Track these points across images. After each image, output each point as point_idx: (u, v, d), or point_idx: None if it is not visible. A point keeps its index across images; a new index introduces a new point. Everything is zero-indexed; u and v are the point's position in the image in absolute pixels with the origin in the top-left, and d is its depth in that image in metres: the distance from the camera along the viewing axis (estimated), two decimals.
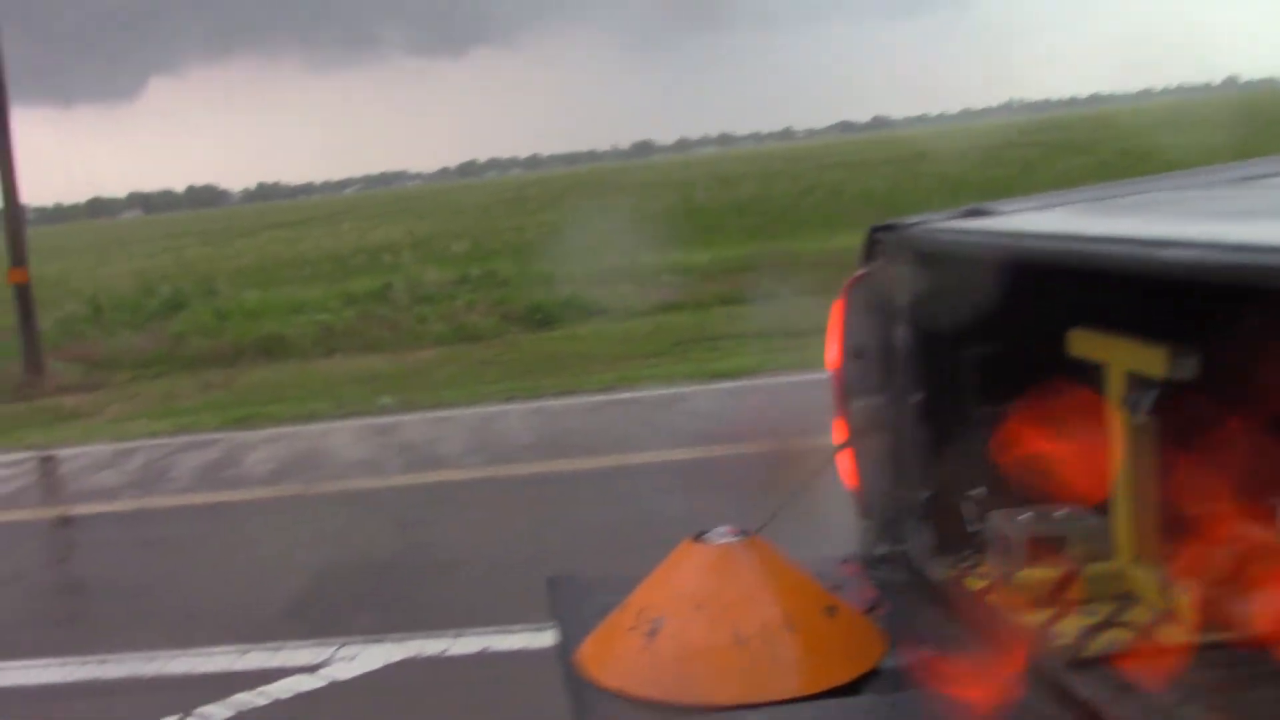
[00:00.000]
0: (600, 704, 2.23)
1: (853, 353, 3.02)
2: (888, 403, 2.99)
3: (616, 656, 2.33)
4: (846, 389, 3.05)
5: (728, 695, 2.15)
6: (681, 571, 2.38)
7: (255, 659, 5.26)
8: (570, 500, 7.61)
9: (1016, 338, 2.84)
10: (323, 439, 10.66)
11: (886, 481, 3.01)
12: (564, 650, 2.58)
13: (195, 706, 4.76)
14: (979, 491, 2.82)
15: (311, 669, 5.06)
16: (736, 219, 32.81)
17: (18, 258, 19.10)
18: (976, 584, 2.66)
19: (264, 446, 10.52)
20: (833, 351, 3.05)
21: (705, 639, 2.23)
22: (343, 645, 5.27)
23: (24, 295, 19.29)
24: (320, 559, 6.80)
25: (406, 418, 11.26)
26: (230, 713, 4.73)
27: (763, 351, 13.71)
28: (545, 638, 5.06)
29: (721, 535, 2.40)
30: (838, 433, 3.08)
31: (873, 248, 2.98)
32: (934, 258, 2.81)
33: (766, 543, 2.43)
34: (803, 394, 10.43)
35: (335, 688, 4.89)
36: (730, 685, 2.17)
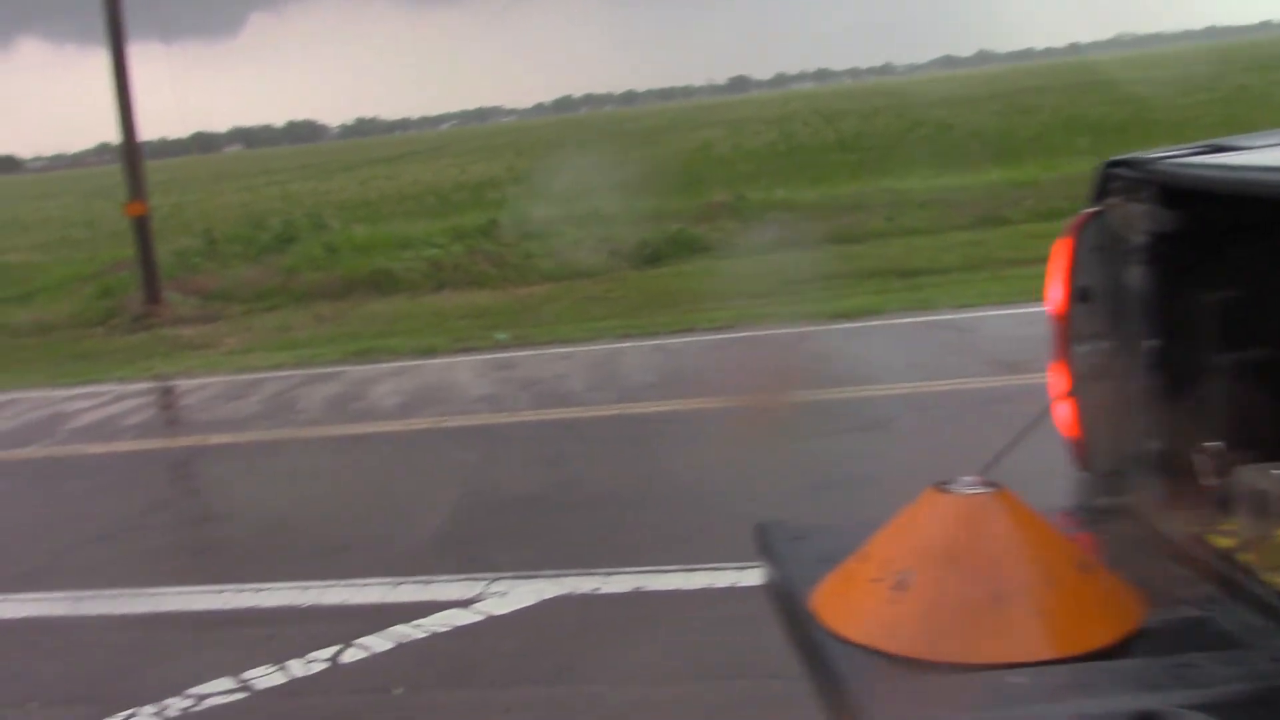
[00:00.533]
0: (847, 657, 2.14)
1: (1079, 295, 2.87)
2: (1116, 349, 2.83)
3: (859, 609, 2.23)
4: (1069, 333, 2.89)
5: (986, 654, 2.04)
6: (927, 523, 2.27)
7: (407, 592, 5.28)
8: (703, 438, 7.54)
9: (1264, 281, 2.67)
10: (445, 373, 10.71)
11: (1111, 432, 2.85)
12: (787, 598, 2.50)
13: (354, 637, 4.80)
14: (1216, 444, 2.66)
15: (465, 603, 5.06)
16: (839, 156, 32.26)
17: (136, 191, 19.48)
18: (1222, 541, 2.51)
19: (388, 380, 10.61)
20: (1056, 293, 2.90)
21: (960, 594, 2.12)
22: (494, 580, 5.26)
23: (143, 227, 19.68)
24: (461, 494, 6.83)
25: (524, 353, 11.27)
26: (390, 644, 4.75)
27: (879, 291, 13.48)
28: (698, 579, 5.07)
29: (968, 486, 2.28)
30: (1056, 379, 2.94)
31: (1107, 183, 2.80)
32: (1178, 194, 2.63)
33: (1014, 494, 2.31)
34: (929, 335, 10.28)
35: (492, 623, 4.89)
36: (988, 643, 2.06)
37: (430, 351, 12.07)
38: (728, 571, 4.99)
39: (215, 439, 8.74)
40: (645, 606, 4.98)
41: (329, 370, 11.53)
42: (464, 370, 10.79)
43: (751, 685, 4.09)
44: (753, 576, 3.21)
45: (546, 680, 4.42)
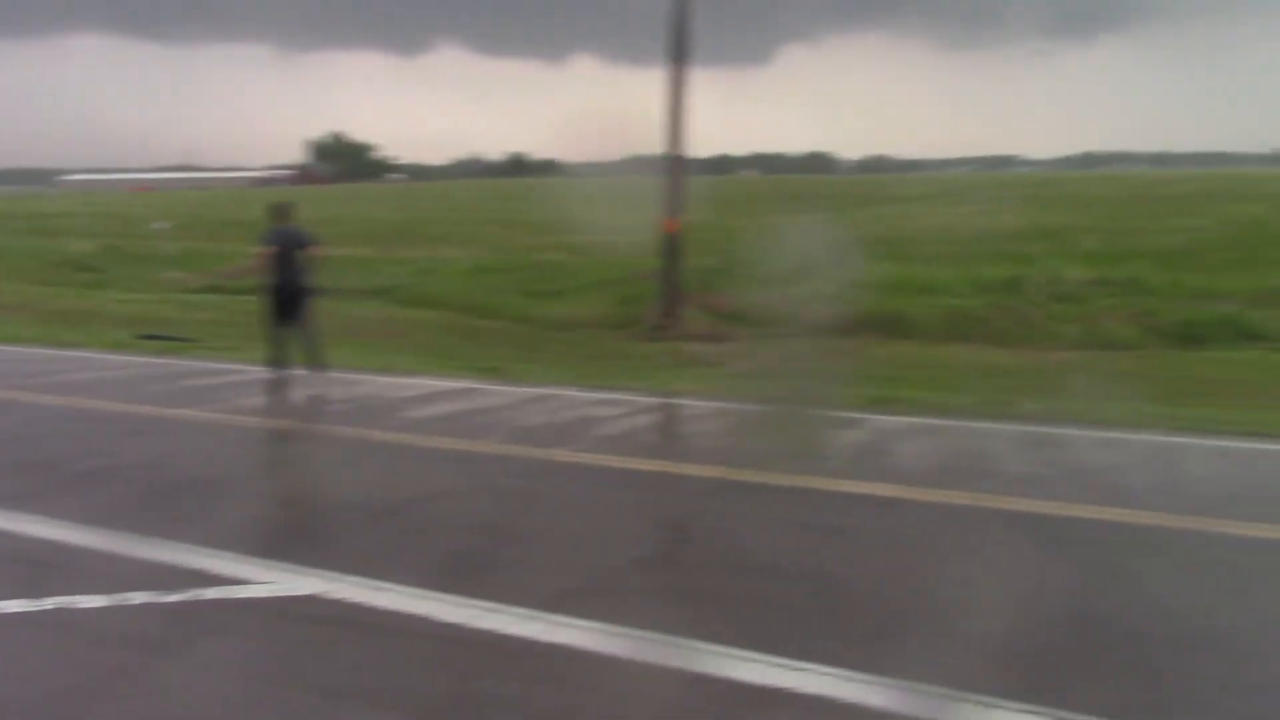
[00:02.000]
0: None
1: None
2: None
3: None
4: None
5: None
6: None
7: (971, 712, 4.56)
8: None
9: None
10: (973, 440, 9.87)
11: None
12: None
13: None
14: None
15: None
16: None
17: (674, 207, 20.17)
18: None
19: (911, 437, 9.93)
20: None
21: None
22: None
23: (673, 243, 20.37)
24: (1025, 596, 5.96)
25: (1059, 430, 10.18)
26: None
27: None
28: None
29: None
30: None
31: None
32: None
33: None
34: None
35: None
36: None
37: (951, 410, 11.27)
38: None
39: (738, 474, 8.44)
40: None
41: (847, 415, 11.05)
42: (993, 439, 9.90)
43: None
44: None
45: None
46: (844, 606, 5.74)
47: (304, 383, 12.76)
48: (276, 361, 13.07)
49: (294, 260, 12.86)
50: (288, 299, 12.86)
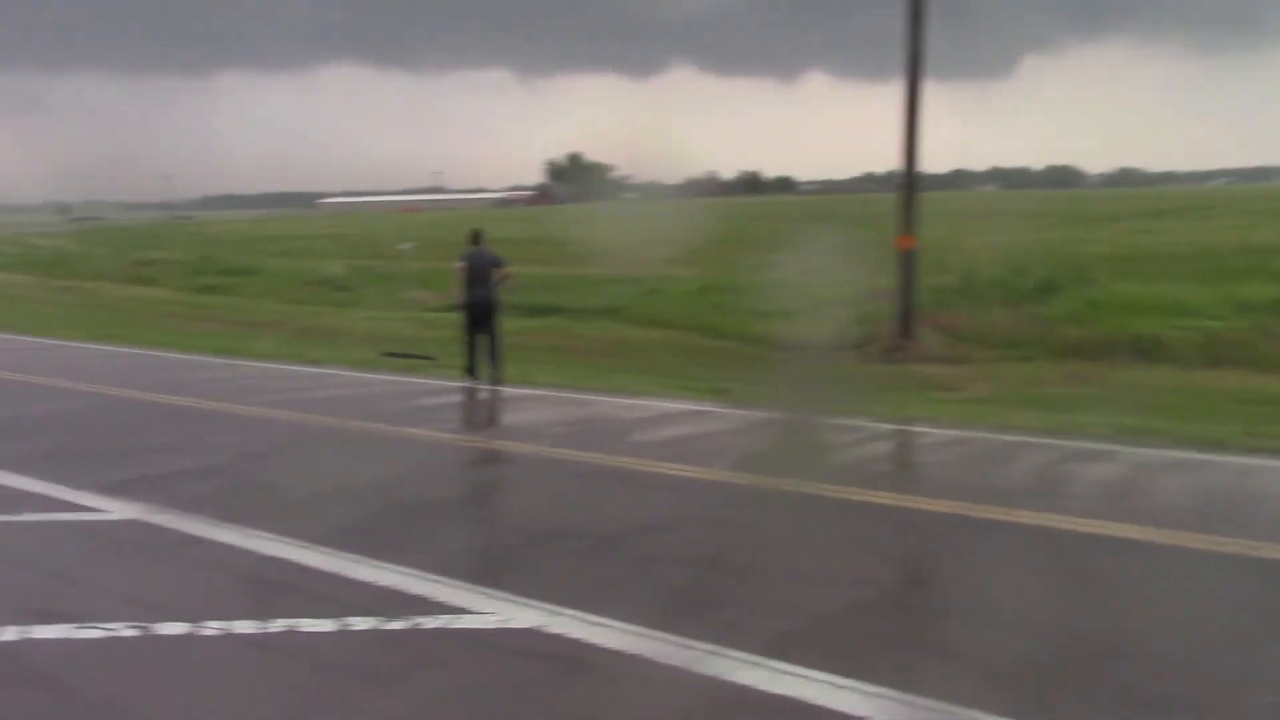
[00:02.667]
0: None
1: None
2: None
3: None
4: None
5: None
6: None
7: None
8: None
9: None
10: (1242, 479, 8.99)
11: None
12: None
13: None
14: None
15: None
16: None
17: (909, 225, 19.49)
18: None
19: (1171, 473, 9.13)
20: None
21: None
22: None
23: (908, 261, 19.67)
24: None
25: None
26: None
27: None
28: None
29: None
30: None
31: None
32: None
33: None
34: None
35: None
36: None
37: (1216, 444, 10.32)
38: None
39: (980, 510, 7.89)
40: None
41: (1096, 446, 10.28)
42: (1263, 476, 8.99)
43: None
44: None
45: None
46: (1105, 667, 5.18)
47: (531, 403, 12.85)
48: (470, 370, 14.33)
49: (486, 278, 14.36)
50: (480, 314, 14.31)
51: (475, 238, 14.86)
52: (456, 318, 14.84)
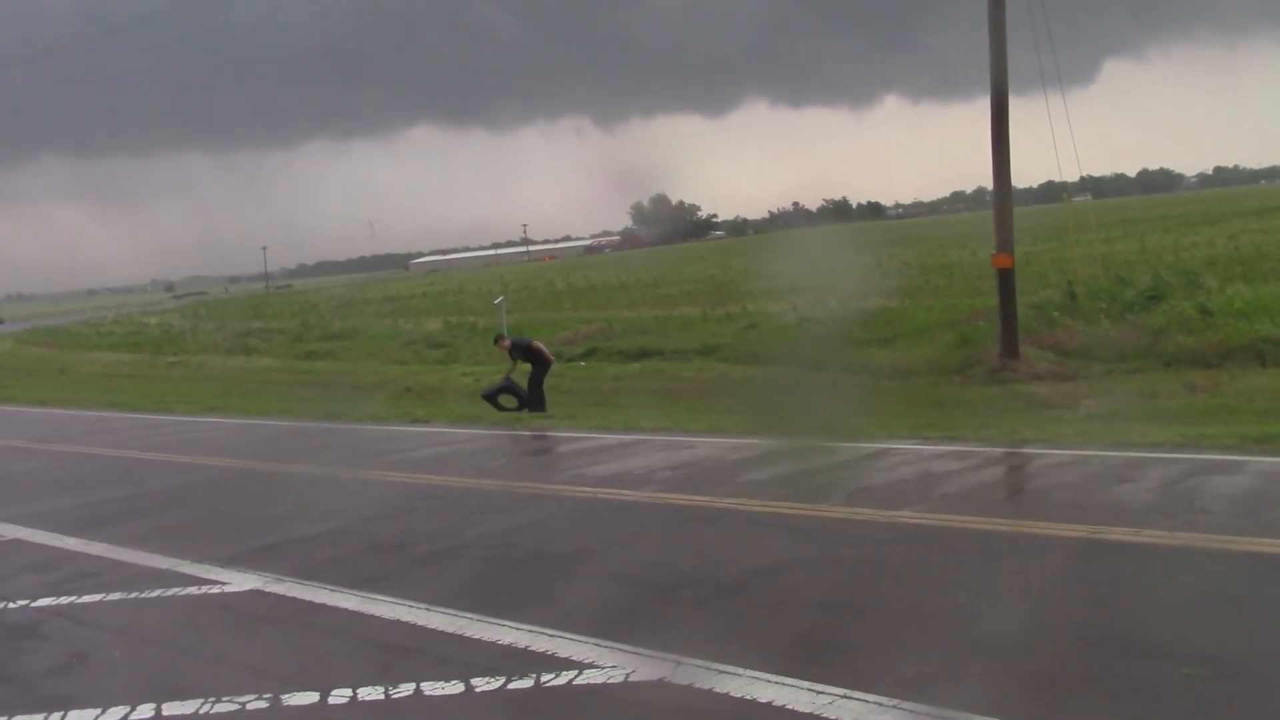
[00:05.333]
0: None
1: None
2: None
3: None
4: None
5: None
6: None
7: None
8: None
9: None
10: None
11: None
12: None
13: None
14: None
15: None
16: None
17: (1004, 243, 19.12)
18: None
19: None
20: None
21: None
22: None
23: (1006, 280, 19.26)
24: None
25: None
26: None
27: None
28: None
29: None
30: None
31: None
32: None
33: None
34: None
35: None
36: None
37: None
38: None
39: (1109, 533, 7.62)
40: None
41: (1223, 458, 9.91)
42: None
43: None
44: None
45: None
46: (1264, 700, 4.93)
47: (648, 448, 12.80)
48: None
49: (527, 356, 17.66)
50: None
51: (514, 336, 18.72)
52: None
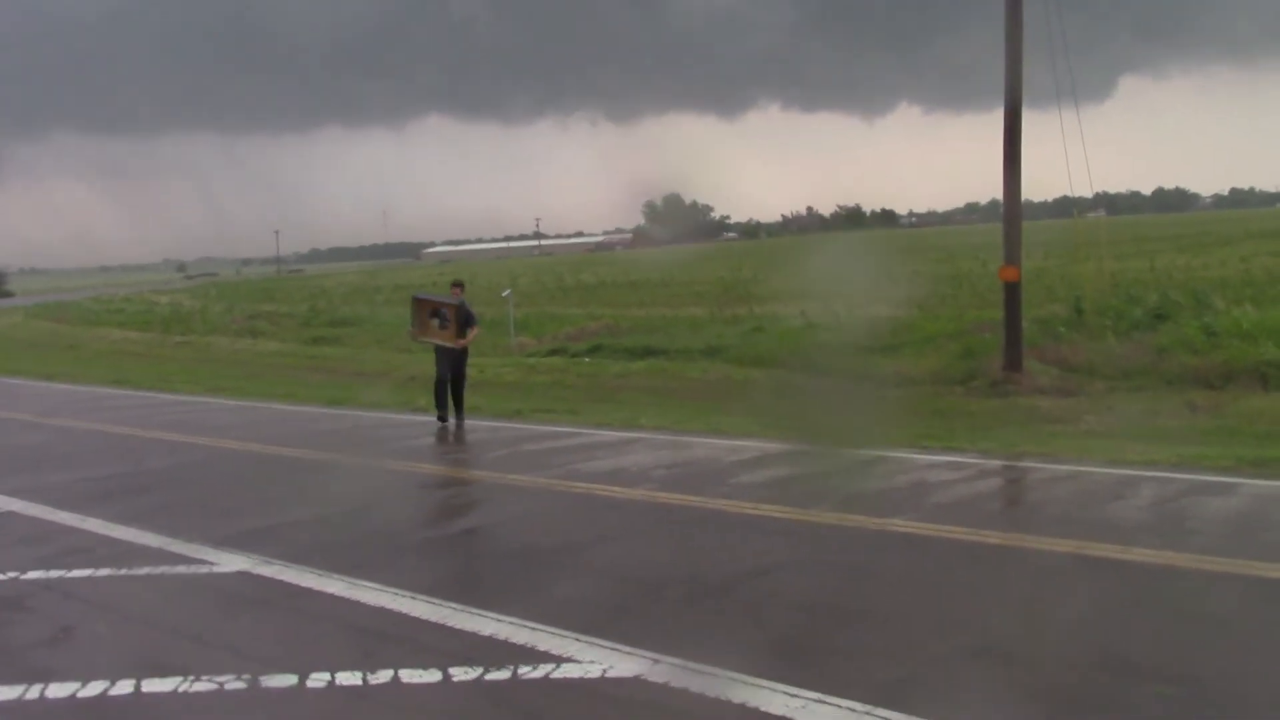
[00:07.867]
0: None
1: None
2: None
3: None
4: None
5: None
6: None
7: None
8: None
9: None
10: None
11: None
12: None
13: None
14: None
15: None
16: None
17: (1012, 256, 19.11)
18: None
19: None
20: None
21: None
22: None
23: (1012, 293, 19.24)
24: None
25: None
26: None
27: None
28: None
29: None
30: None
31: None
32: None
33: None
34: None
35: None
36: None
37: None
38: None
39: (1097, 549, 7.62)
40: None
41: (1218, 479, 9.90)
42: None
43: None
44: None
45: None
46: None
47: (646, 447, 12.82)
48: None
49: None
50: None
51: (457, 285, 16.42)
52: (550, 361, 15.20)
